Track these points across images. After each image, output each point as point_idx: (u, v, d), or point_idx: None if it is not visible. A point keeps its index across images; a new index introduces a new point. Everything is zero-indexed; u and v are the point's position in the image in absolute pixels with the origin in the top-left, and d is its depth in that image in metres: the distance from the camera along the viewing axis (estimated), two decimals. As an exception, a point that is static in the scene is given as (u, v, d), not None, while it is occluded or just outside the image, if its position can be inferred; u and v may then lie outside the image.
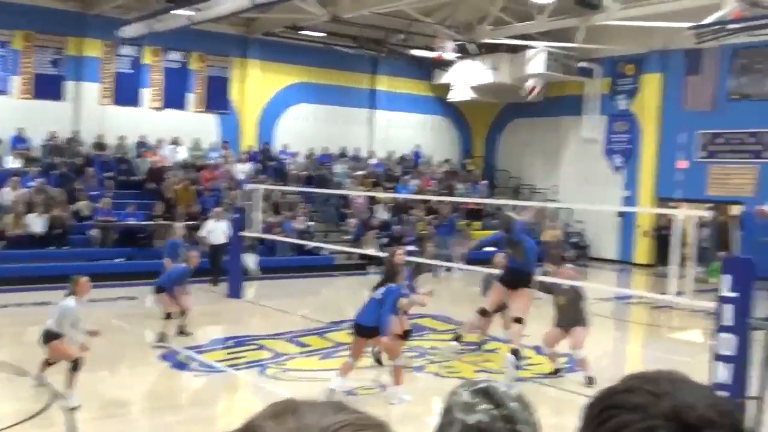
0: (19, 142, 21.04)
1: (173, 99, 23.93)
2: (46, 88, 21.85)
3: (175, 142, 23.19)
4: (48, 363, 9.06)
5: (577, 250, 24.64)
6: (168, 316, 12.21)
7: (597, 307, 16.81)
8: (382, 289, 9.42)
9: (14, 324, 13.79)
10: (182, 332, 12.51)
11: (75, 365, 8.59)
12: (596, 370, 11.32)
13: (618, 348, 14.17)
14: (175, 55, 23.98)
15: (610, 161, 26.27)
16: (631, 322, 16.95)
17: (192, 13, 19.20)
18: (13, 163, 20.21)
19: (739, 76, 22.79)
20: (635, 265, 24.61)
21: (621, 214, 24.98)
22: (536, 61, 25.12)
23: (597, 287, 18.88)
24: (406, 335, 10.56)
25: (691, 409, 1.07)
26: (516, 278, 10.70)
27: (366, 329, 9.35)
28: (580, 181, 26.81)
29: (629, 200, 25.11)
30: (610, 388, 1.18)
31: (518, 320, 10.54)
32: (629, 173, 25.62)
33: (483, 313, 11.43)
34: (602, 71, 26.17)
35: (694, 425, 1.05)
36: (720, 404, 1.11)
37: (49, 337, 8.74)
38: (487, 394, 1.61)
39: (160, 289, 12.42)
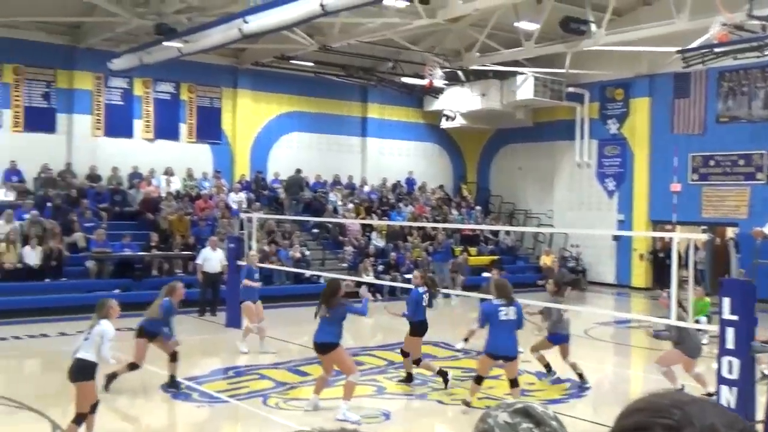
0: (12, 174, 20.97)
1: (165, 129, 23.94)
2: (38, 120, 21.82)
3: (168, 172, 23.17)
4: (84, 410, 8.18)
5: (575, 275, 24.63)
6: (173, 357, 11.10)
7: (597, 331, 16.86)
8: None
9: (11, 357, 13.64)
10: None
11: (80, 418, 8.11)
12: (597, 395, 11.33)
13: (619, 373, 14.13)
14: (166, 86, 24.03)
15: (603, 185, 26.41)
16: (631, 347, 16.93)
17: (181, 44, 19.26)
18: (6, 196, 20.12)
19: (727, 99, 23.02)
20: (633, 288, 24.65)
21: (617, 238, 25.08)
22: (525, 87, 25.35)
23: (596, 311, 18.90)
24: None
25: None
26: None
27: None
28: (574, 206, 26.95)
29: (624, 224, 25.20)
30: (621, 427, 1.16)
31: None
32: (623, 197, 25.75)
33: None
34: (591, 96, 26.40)
35: None
36: (736, 423, 1.10)
37: (84, 372, 8.09)
38: (527, 413, 1.61)
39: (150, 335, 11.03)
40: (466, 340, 13.98)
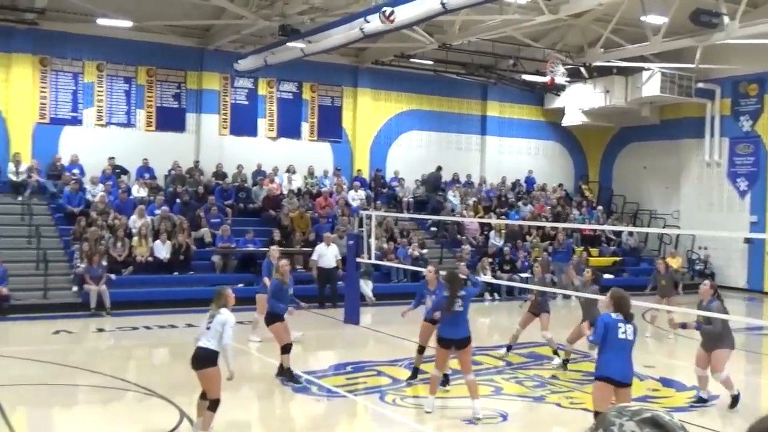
0: (144, 172, 21.98)
1: (287, 128, 24.54)
2: (169, 120, 22.81)
3: (290, 170, 23.72)
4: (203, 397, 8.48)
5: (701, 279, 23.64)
6: (286, 348, 11.24)
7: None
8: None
9: (142, 346, 14.28)
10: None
11: (215, 404, 8.28)
12: (726, 404, 10.80)
13: (752, 382, 13.45)
14: (289, 86, 24.61)
15: (734, 185, 25.21)
16: (763, 355, 16.09)
17: (304, 45, 19.66)
18: (138, 192, 21.11)
19: None
20: (766, 294, 23.42)
21: (749, 241, 23.86)
22: (651, 83, 24.55)
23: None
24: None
25: None
26: None
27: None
28: (702, 206, 25.86)
29: (757, 226, 23.96)
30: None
31: None
32: (756, 197, 24.50)
33: None
34: (722, 92, 25.24)
35: None
36: None
37: (207, 360, 8.32)
38: (656, 423, 1.52)
39: (274, 318, 11.38)
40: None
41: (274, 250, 15.40)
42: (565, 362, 12.61)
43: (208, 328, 8.34)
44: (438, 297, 10.45)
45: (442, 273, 10.92)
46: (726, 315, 10.49)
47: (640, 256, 25.94)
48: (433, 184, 25.15)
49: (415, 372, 11.52)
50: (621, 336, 7.85)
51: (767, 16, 19.88)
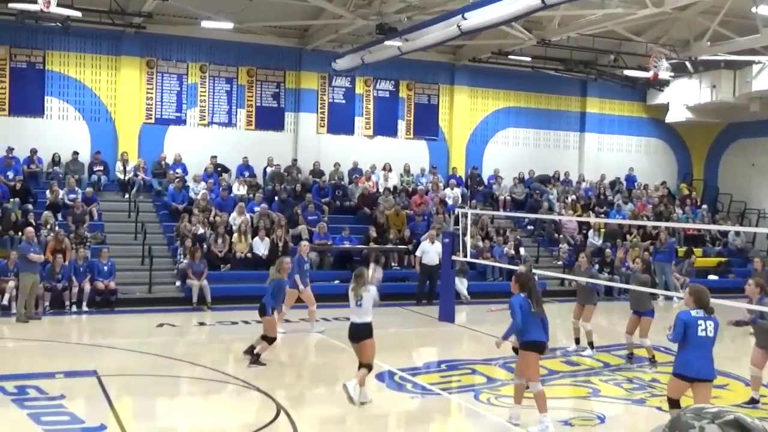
0: (244, 169, 22.50)
1: (384, 126, 24.67)
2: (268, 119, 23.28)
3: (386, 168, 23.83)
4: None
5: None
6: (270, 341, 11.85)
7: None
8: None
9: (241, 340, 14.61)
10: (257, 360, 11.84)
11: (370, 367, 9.73)
12: None
13: None
14: (386, 84, 24.73)
15: None
16: None
17: (401, 43, 19.70)
18: (239, 190, 21.62)
19: None
20: None
21: None
22: (762, 77, 23.56)
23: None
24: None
25: None
26: None
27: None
28: (815, 205, 24.67)
29: None
30: None
31: None
32: None
33: None
34: (841, 85, 23.97)
35: None
36: None
37: (367, 332, 9.64)
38: (740, 426, 1.44)
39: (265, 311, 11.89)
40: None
41: (304, 245, 15.87)
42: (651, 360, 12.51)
43: (359, 305, 9.57)
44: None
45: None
46: None
47: (747, 257, 24.89)
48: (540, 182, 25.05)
49: None
50: (701, 333, 7.66)
51: None
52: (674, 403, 8.07)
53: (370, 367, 9.71)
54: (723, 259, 24.21)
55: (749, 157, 27.13)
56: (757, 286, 10.05)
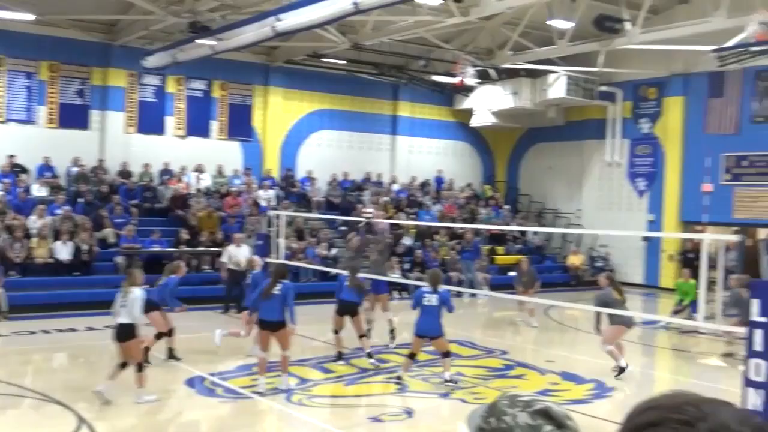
0: (45, 170, 21.28)
1: (196, 127, 24.15)
2: (72, 117, 22.13)
3: (199, 169, 23.36)
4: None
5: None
6: (159, 336, 12.43)
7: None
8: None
9: (40, 351, 13.85)
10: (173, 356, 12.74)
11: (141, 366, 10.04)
12: (623, 396, 11.22)
13: (645, 374, 13.96)
14: (198, 84, 24.22)
15: (633, 185, 26.14)
16: (657, 348, 16.74)
17: (214, 42, 19.38)
18: (39, 191, 20.43)
19: (763, 99, 22.65)
20: (661, 289, 24.36)
21: (646, 239, 24.78)
22: (557, 85, 25.21)
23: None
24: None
25: (727, 429, 1.05)
26: None
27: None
28: (603, 205, 26.73)
29: (654, 224, 24.92)
30: (633, 425, 1.14)
31: None
32: (653, 197, 25.47)
33: None
34: (624, 95, 26.13)
35: None
36: (749, 419, 1.09)
37: (127, 332, 9.86)
38: (548, 415, 1.56)
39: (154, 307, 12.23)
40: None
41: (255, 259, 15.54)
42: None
43: (123, 306, 9.88)
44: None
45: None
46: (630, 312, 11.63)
47: (544, 254, 26.63)
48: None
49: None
50: (426, 303, 11.13)
51: (667, 22, 20.70)
52: (412, 356, 11.43)
53: (140, 367, 10.11)
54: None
55: (546, 160, 28.95)
56: (607, 279, 12.71)
